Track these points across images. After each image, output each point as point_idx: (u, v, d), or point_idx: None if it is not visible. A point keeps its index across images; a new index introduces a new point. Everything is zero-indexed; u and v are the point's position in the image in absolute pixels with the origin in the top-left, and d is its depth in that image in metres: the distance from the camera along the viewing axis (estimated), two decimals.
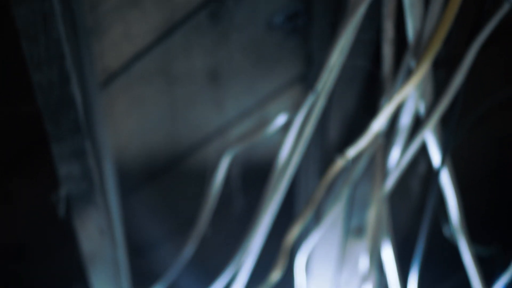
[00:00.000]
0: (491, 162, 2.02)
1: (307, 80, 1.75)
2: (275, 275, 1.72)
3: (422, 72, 1.28)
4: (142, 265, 2.09)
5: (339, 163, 1.48)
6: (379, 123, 1.38)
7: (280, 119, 1.52)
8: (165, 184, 1.93)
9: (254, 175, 1.88)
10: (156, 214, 2.01)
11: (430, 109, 1.40)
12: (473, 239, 1.67)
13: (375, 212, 1.60)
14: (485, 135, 1.94)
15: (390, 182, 1.55)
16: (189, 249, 1.77)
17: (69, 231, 1.76)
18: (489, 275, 1.80)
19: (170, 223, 2.04)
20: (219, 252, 1.91)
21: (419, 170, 1.63)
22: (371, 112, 1.42)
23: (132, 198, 1.94)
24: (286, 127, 1.51)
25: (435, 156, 1.48)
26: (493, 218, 2.13)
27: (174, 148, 1.84)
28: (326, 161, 1.53)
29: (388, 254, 1.69)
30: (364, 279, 1.74)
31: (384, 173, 1.52)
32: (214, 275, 1.80)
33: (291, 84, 1.77)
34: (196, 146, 1.84)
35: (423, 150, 1.54)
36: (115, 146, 1.82)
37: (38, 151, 1.83)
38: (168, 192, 1.95)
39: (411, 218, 1.76)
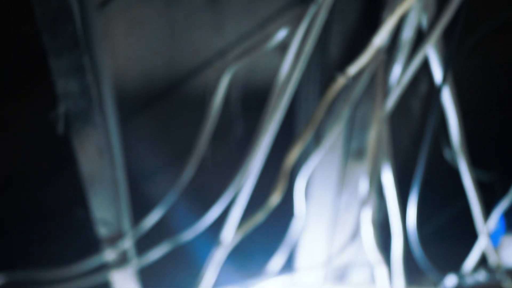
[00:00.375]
0: (492, 89, 2.01)
1: (308, 0, 1.72)
2: (275, 199, 1.71)
3: None
4: (140, 194, 2.09)
5: (340, 80, 1.46)
6: (380, 38, 1.36)
7: (280, 34, 1.50)
8: (163, 110, 1.92)
9: (253, 99, 1.87)
10: (155, 141, 2.00)
11: (433, 22, 1.38)
12: (474, 164, 1.67)
13: (375, 133, 1.59)
14: (485, 61, 1.93)
15: (391, 100, 1.53)
16: (188, 172, 1.77)
17: (68, 156, 1.75)
18: (488, 201, 1.80)
19: (168, 151, 2.03)
20: (219, 177, 1.91)
21: (420, 90, 1.62)
22: (373, 26, 1.40)
23: (130, 124, 1.93)
24: (286, 45, 1.49)
25: (437, 72, 1.47)
26: (493, 145, 2.12)
27: (173, 72, 1.82)
28: (327, 80, 1.51)
29: (388, 177, 1.68)
30: (364, 202, 1.74)
31: (385, 91, 1.51)
32: (214, 199, 1.80)
33: (292, 5, 1.75)
34: (196, 70, 1.83)
35: (424, 69, 1.53)
36: (113, 70, 1.81)
37: (35, 75, 1.82)
38: (167, 118, 1.94)
39: (412, 140, 1.76)
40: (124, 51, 1.79)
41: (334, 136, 1.64)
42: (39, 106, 1.83)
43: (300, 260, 2.03)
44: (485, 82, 1.97)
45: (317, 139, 1.66)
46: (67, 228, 2.16)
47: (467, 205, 1.77)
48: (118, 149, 1.71)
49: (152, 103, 1.90)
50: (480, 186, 1.71)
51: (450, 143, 1.65)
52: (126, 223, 1.85)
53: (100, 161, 1.65)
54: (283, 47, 1.52)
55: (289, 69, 1.48)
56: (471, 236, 1.84)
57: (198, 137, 1.70)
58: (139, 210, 1.93)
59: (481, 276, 1.87)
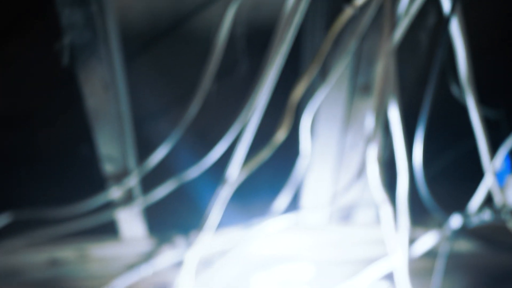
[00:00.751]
0: (502, 25, 1.98)
1: None
2: (280, 135, 1.71)
3: None
4: (146, 132, 2.08)
5: (347, 11, 1.44)
6: None
7: None
8: (168, 47, 1.89)
9: (259, 34, 1.85)
10: (159, 79, 1.99)
11: None
12: (480, 101, 1.66)
13: (382, 67, 1.58)
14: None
15: (399, 33, 1.52)
16: (193, 109, 1.76)
17: (73, 93, 1.75)
18: (495, 139, 1.79)
19: (173, 88, 2.02)
20: (224, 114, 1.90)
21: (428, 22, 1.60)
22: None
23: (135, 62, 1.92)
24: None
25: (446, 3, 1.45)
26: (501, 82, 2.10)
27: (177, 7, 1.80)
28: (334, 12, 1.50)
29: (394, 114, 1.67)
30: (370, 140, 1.73)
31: (393, 22, 1.49)
32: (219, 136, 1.80)
33: None
34: (200, 5, 1.80)
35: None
36: (118, 5, 1.79)
37: (38, 10, 1.80)
38: (171, 55, 1.92)
39: (419, 75, 1.74)
40: None
41: (341, 70, 1.63)
42: (43, 41, 1.81)
43: (305, 199, 2.03)
44: (495, 18, 1.94)
45: (323, 74, 1.64)
46: (73, 166, 2.16)
47: (473, 143, 1.75)
48: (123, 84, 1.70)
49: (156, 40, 1.88)
50: (487, 124, 1.70)
51: (457, 79, 1.63)
52: (131, 160, 1.85)
53: (105, 95, 1.64)
54: None
55: (295, 1, 1.46)
56: (477, 175, 1.83)
57: (203, 74, 1.69)
58: (145, 149, 1.92)
59: (486, 215, 1.87)
